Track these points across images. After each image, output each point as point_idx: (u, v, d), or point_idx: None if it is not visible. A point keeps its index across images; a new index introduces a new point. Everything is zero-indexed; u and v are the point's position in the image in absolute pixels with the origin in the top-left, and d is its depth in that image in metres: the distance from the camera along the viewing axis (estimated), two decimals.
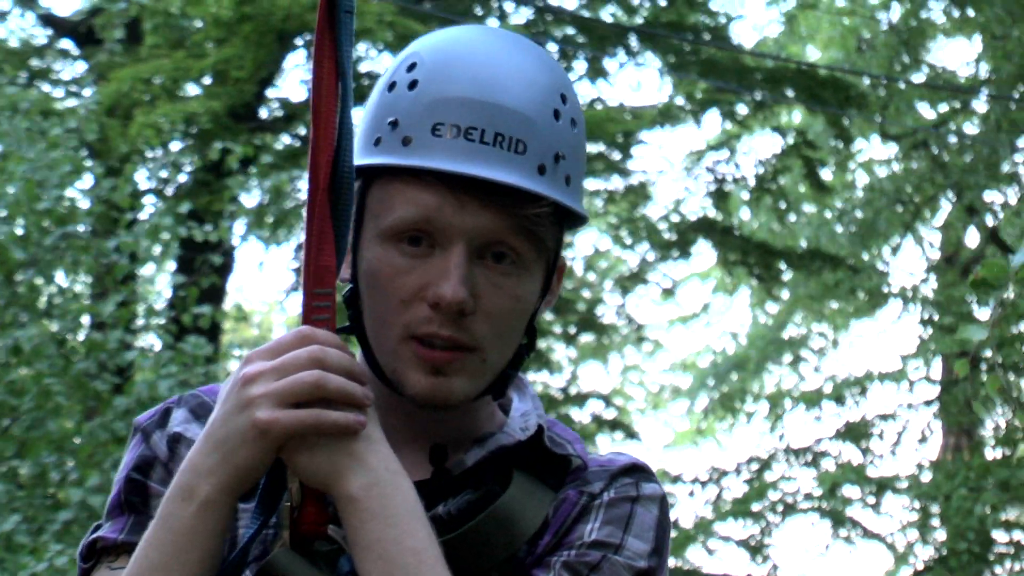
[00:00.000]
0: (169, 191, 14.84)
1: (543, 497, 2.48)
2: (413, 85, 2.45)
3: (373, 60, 18.21)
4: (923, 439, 23.67)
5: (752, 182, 18.96)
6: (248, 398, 2.23)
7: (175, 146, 15.19)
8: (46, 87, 16.51)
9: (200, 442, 2.30)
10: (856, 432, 22.84)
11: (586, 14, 17.03)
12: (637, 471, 2.55)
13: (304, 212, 2.39)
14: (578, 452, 2.55)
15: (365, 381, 2.30)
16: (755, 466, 22.96)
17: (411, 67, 2.46)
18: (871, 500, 22.62)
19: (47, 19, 18.31)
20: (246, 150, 12.44)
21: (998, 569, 20.51)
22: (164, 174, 14.74)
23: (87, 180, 12.75)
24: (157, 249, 12.26)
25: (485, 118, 2.40)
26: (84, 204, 11.89)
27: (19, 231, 10.63)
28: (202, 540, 2.29)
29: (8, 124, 11.43)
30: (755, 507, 22.57)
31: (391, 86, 2.48)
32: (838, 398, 23.56)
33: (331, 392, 2.23)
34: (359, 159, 2.49)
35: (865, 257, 22.35)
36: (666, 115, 17.99)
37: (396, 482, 2.31)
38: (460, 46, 2.48)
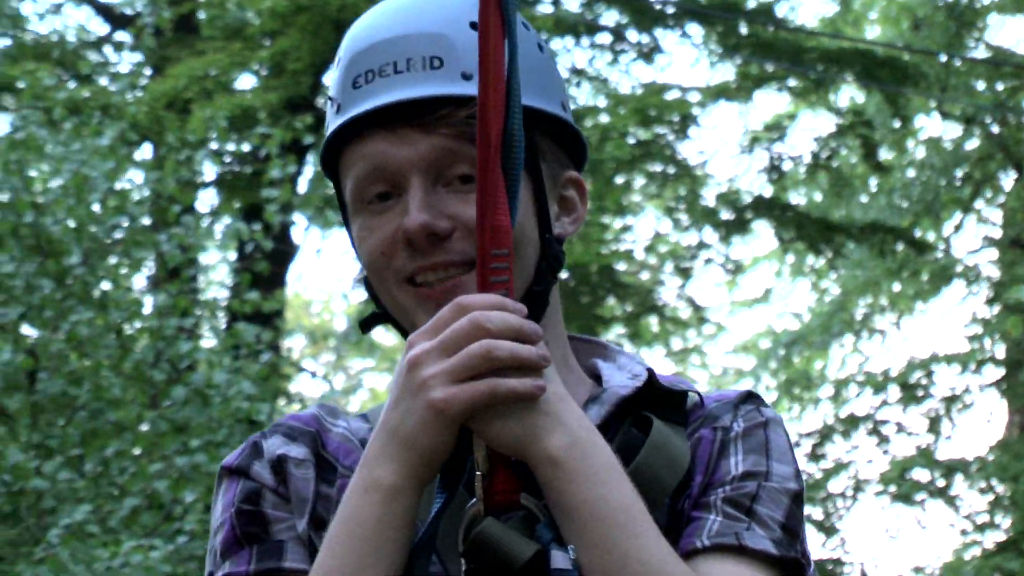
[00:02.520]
0: (216, 180, 14.94)
1: (680, 434, 2.44)
2: (339, 61, 2.49)
3: None
4: (989, 420, 23.57)
5: (808, 160, 18.81)
6: (420, 381, 2.18)
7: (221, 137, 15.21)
8: (103, 81, 16.57)
9: (377, 434, 2.27)
10: (913, 398, 22.69)
11: None
12: (754, 398, 2.53)
13: (474, 173, 2.32)
14: (692, 388, 2.54)
15: (538, 338, 2.21)
16: (815, 439, 22.89)
17: (344, 41, 2.51)
18: (940, 483, 22.47)
19: (102, 11, 18.43)
20: (282, 134, 12.45)
21: None
22: (210, 166, 14.84)
23: (136, 174, 12.85)
24: (213, 241, 12.33)
25: (395, 51, 2.41)
26: (138, 196, 11.98)
27: (71, 223, 10.69)
28: (394, 531, 2.26)
29: (44, 125, 11.47)
30: (827, 489, 22.52)
31: (336, 67, 2.53)
32: (903, 383, 23.40)
33: (503, 360, 2.16)
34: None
35: (928, 237, 22.16)
36: (722, 95, 17.91)
37: (593, 439, 2.26)
38: (374, 6, 2.50)
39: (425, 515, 2.31)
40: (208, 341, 12.97)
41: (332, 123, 2.48)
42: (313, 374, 26.50)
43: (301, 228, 18.08)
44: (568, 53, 17.43)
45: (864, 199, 21.71)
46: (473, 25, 2.36)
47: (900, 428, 23.09)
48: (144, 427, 10.69)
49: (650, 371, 2.47)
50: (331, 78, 2.54)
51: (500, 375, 2.17)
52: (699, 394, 2.51)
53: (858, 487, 22.68)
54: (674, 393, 2.48)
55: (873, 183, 21.61)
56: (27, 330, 11.04)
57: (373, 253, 2.45)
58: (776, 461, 2.44)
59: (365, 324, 2.62)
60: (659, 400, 2.45)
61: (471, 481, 2.27)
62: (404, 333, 2.50)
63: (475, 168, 2.33)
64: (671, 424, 2.42)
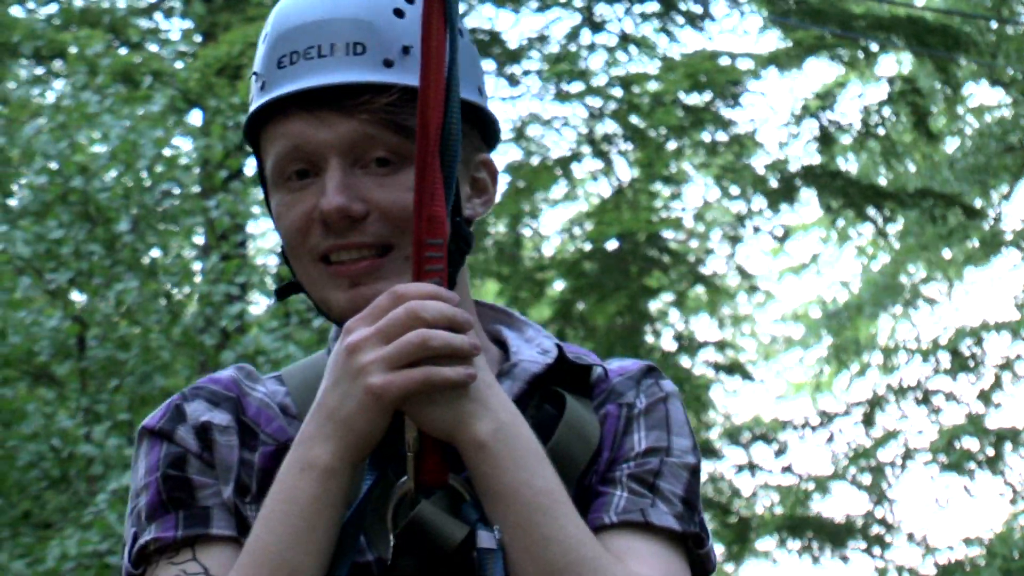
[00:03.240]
0: None
1: (588, 408, 2.53)
2: (265, 37, 2.54)
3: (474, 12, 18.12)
4: None
5: (858, 128, 18.68)
6: (358, 366, 2.25)
7: None
8: (153, 47, 16.56)
9: (312, 414, 2.32)
10: (963, 366, 22.52)
11: None
12: (653, 371, 2.62)
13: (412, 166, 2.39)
14: (597, 362, 2.61)
15: (470, 327, 2.30)
16: (865, 409, 22.79)
17: (269, 19, 2.56)
18: (990, 452, 22.35)
19: None
20: None
21: None
22: None
23: (185, 142, 12.85)
24: (262, 209, 12.26)
25: (320, 35, 2.46)
26: (187, 162, 11.97)
27: (119, 190, 10.68)
28: (328, 509, 2.31)
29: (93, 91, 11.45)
30: (874, 459, 22.44)
31: (260, 43, 2.59)
32: (954, 350, 23.26)
33: (437, 349, 2.24)
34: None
35: (976, 204, 21.98)
36: (772, 62, 17.82)
37: (517, 424, 2.35)
38: None
39: (355, 494, 2.37)
40: (257, 308, 13.03)
41: (256, 99, 2.53)
42: None
43: None
44: (618, 22, 17.35)
45: (913, 168, 21.57)
46: (397, 12, 2.47)
47: (950, 397, 22.94)
48: None
49: (559, 346, 2.56)
50: (257, 52, 2.58)
51: (434, 363, 2.24)
52: (603, 367, 2.61)
53: (907, 455, 22.55)
54: (581, 367, 2.57)
55: (923, 152, 21.52)
56: (76, 296, 11.07)
57: (290, 229, 2.50)
58: (676, 435, 2.54)
59: (281, 292, 2.64)
60: (567, 374, 2.55)
61: (399, 462, 2.35)
62: (316, 305, 2.58)
63: (391, 153, 2.45)
64: (579, 399, 2.52)
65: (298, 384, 2.64)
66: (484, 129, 2.60)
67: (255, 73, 2.57)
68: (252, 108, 2.54)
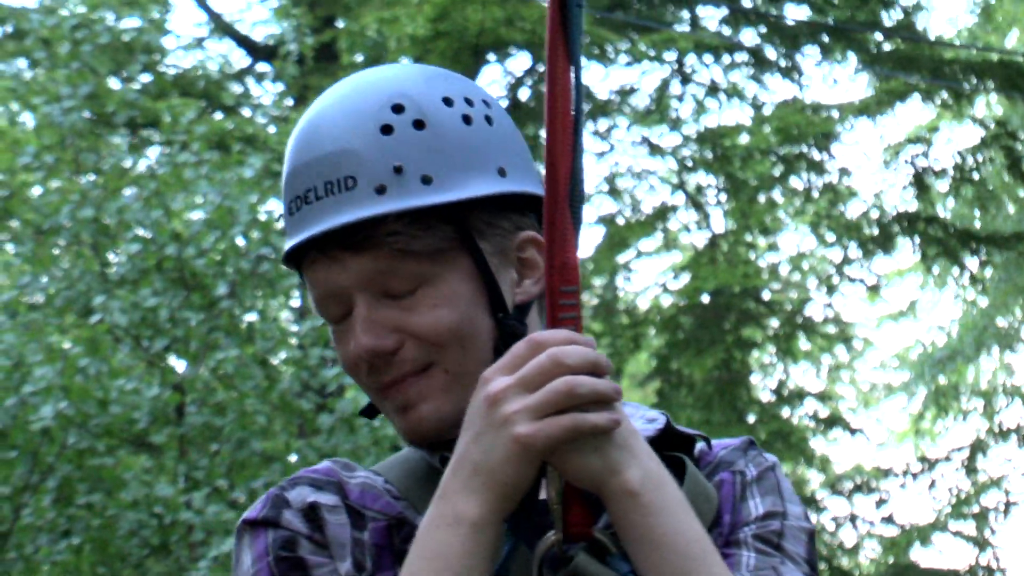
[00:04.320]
0: None
1: (701, 476, 2.51)
2: (282, 180, 2.57)
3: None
4: None
5: (952, 173, 18.55)
6: (503, 416, 2.19)
7: None
8: (246, 112, 16.70)
9: (456, 469, 2.25)
10: None
11: (775, 13, 16.93)
12: (754, 444, 2.61)
13: (543, 217, 2.35)
14: (699, 435, 2.61)
15: (611, 371, 2.24)
16: (966, 453, 22.56)
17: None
18: None
19: (244, 43, 18.57)
20: None
21: None
22: None
23: (279, 205, 12.91)
24: None
25: (313, 176, 2.45)
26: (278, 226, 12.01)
27: (216, 257, 10.70)
28: (478, 563, 2.23)
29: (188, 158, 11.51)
30: (977, 505, 22.21)
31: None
32: None
33: (584, 396, 2.17)
34: None
35: None
36: (863, 110, 17.77)
37: (662, 473, 2.29)
38: (303, 118, 2.55)
39: (499, 550, 2.32)
40: None
41: (285, 244, 2.54)
42: None
43: None
44: (707, 69, 17.41)
45: (1010, 210, 21.41)
46: (384, 129, 2.44)
47: None
48: (293, 457, 10.69)
49: (666, 416, 2.56)
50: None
51: (579, 410, 2.18)
52: (707, 440, 2.60)
53: (1010, 501, 22.28)
54: (687, 437, 2.56)
55: (1017, 195, 21.42)
56: (174, 362, 11.11)
57: (347, 366, 2.53)
58: (789, 502, 2.51)
59: (365, 412, 2.67)
60: (674, 446, 2.53)
61: (535, 516, 2.32)
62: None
63: (407, 279, 2.42)
64: (695, 467, 2.50)
65: (397, 473, 2.60)
66: (518, 205, 2.53)
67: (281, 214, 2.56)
68: (283, 254, 2.54)
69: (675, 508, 2.26)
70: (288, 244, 2.49)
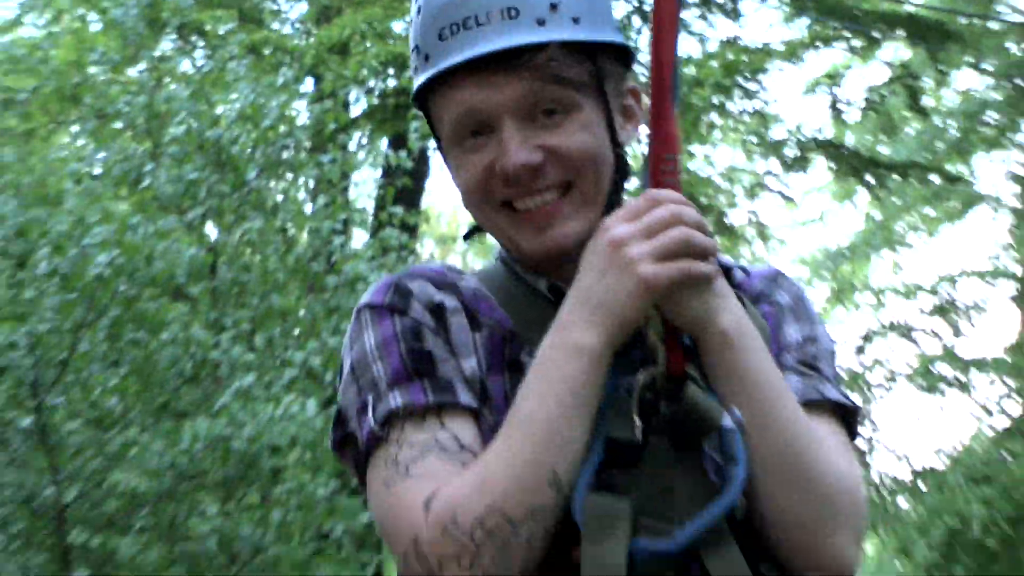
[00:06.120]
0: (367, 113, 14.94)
1: (748, 307, 2.43)
2: (418, 11, 2.39)
3: None
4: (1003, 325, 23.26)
5: (861, 105, 18.51)
6: (628, 258, 2.15)
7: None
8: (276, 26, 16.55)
9: (575, 303, 2.20)
10: (945, 312, 22.31)
11: None
12: (782, 274, 2.59)
13: (648, 95, 2.31)
14: (733, 264, 2.58)
15: (710, 232, 2.21)
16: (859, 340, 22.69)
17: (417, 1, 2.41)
18: (961, 378, 22.21)
19: None
20: None
21: None
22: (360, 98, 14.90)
23: (302, 104, 12.91)
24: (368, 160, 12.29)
25: (474, 5, 2.32)
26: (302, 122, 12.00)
27: (248, 145, 10.70)
28: (595, 390, 2.17)
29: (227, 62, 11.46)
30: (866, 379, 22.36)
31: (410, 21, 2.44)
32: (933, 290, 23.10)
33: (697, 246, 2.15)
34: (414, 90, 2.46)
35: (958, 169, 21.80)
36: (791, 51, 17.68)
37: (746, 318, 2.27)
38: None
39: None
40: (357, 243, 13.07)
41: (423, 71, 2.40)
42: None
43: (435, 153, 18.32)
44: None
45: (906, 138, 21.39)
46: None
47: (931, 334, 22.79)
48: (301, 312, 10.73)
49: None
50: (412, 27, 2.42)
51: (692, 257, 2.15)
52: (744, 269, 2.56)
53: (891, 379, 22.40)
54: (727, 268, 2.50)
55: (912, 128, 21.42)
56: (210, 228, 11.12)
57: (470, 183, 2.39)
58: (818, 324, 2.50)
59: (468, 235, 2.56)
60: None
61: (638, 354, 2.24)
62: (503, 245, 2.51)
63: (557, 103, 2.32)
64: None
65: (497, 288, 2.50)
66: (626, 58, 2.46)
67: (415, 47, 2.42)
68: (421, 79, 2.40)
69: (757, 348, 2.23)
70: (440, 66, 2.35)
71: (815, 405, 2.37)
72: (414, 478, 2.19)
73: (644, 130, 2.41)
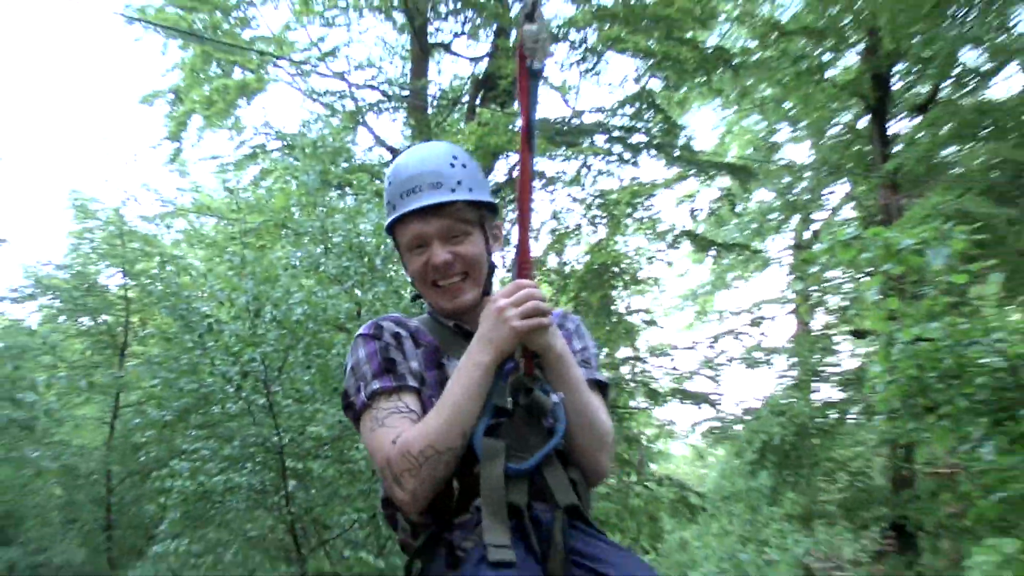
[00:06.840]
0: None
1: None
2: (389, 183, 2.38)
3: None
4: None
5: (707, 211, 18.04)
6: (505, 317, 2.17)
7: None
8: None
9: (477, 340, 2.20)
10: (756, 322, 21.45)
11: None
12: (567, 312, 2.50)
13: (514, 228, 2.27)
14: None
15: (546, 300, 2.20)
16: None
17: (388, 175, 2.38)
18: (767, 359, 21.15)
19: None
20: None
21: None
22: None
23: None
24: None
25: (417, 180, 2.32)
26: None
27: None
28: (484, 390, 2.19)
29: None
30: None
31: (386, 187, 2.40)
32: (749, 310, 22.10)
33: (542, 309, 2.17)
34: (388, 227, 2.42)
35: (757, 245, 21.02)
36: (668, 183, 17.21)
37: (566, 345, 2.26)
38: (403, 156, 2.37)
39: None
40: None
41: (391, 215, 2.37)
42: None
43: None
44: (600, 160, 15.76)
45: (731, 226, 20.77)
46: (451, 164, 2.32)
47: (750, 335, 21.53)
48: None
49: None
50: (385, 190, 2.40)
51: (539, 317, 2.17)
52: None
53: (730, 361, 21.15)
54: None
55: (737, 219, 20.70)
56: (356, 292, 10.93)
57: (416, 272, 2.38)
58: (589, 339, 2.43)
59: (413, 299, 2.50)
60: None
61: (510, 365, 2.22)
62: (431, 305, 2.41)
63: (461, 232, 2.32)
64: None
65: (429, 328, 2.42)
66: (495, 209, 2.42)
67: (388, 202, 2.40)
68: (390, 219, 2.37)
69: (572, 361, 2.25)
70: (400, 211, 2.33)
71: (591, 383, 2.35)
72: (386, 427, 2.23)
73: (508, 249, 2.53)
